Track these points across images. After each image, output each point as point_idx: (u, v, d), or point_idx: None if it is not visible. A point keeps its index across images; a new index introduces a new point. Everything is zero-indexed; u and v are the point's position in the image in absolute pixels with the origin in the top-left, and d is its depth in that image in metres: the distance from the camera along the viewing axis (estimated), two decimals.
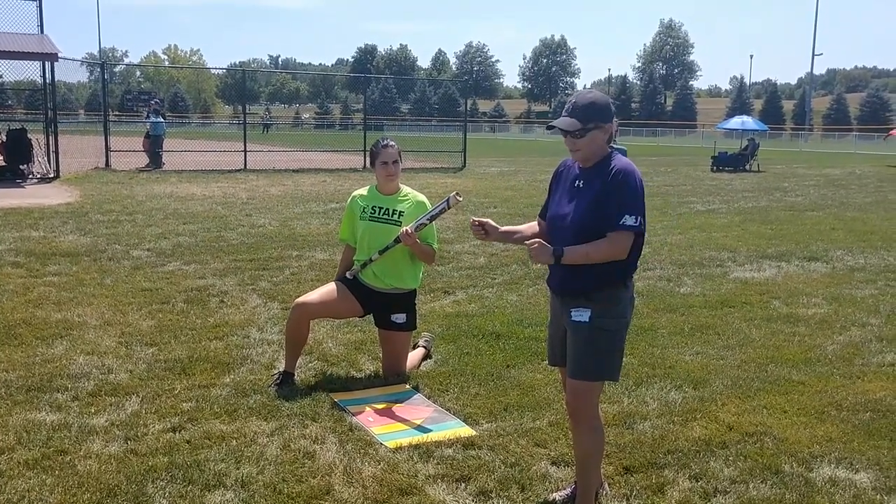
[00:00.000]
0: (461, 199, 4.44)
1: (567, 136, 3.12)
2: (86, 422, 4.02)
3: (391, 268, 4.75)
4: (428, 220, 4.58)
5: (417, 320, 5.02)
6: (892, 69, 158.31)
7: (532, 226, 3.43)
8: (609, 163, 3.12)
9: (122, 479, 3.42)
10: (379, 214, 4.75)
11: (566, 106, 3.15)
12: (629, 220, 3.01)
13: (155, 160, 21.47)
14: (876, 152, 44.57)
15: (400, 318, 4.82)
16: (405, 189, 4.91)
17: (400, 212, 4.74)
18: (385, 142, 4.82)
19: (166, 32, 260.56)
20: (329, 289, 4.82)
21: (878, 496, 3.46)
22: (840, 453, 3.86)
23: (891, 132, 35.30)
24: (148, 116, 22.71)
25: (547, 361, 3.56)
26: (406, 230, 4.55)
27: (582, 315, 3.13)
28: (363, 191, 4.94)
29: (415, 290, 4.93)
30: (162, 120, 22.69)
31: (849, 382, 4.92)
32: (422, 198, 4.86)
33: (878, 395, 4.67)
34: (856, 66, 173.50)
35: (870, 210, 14.80)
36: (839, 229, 11.91)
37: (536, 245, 3.07)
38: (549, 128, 3.25)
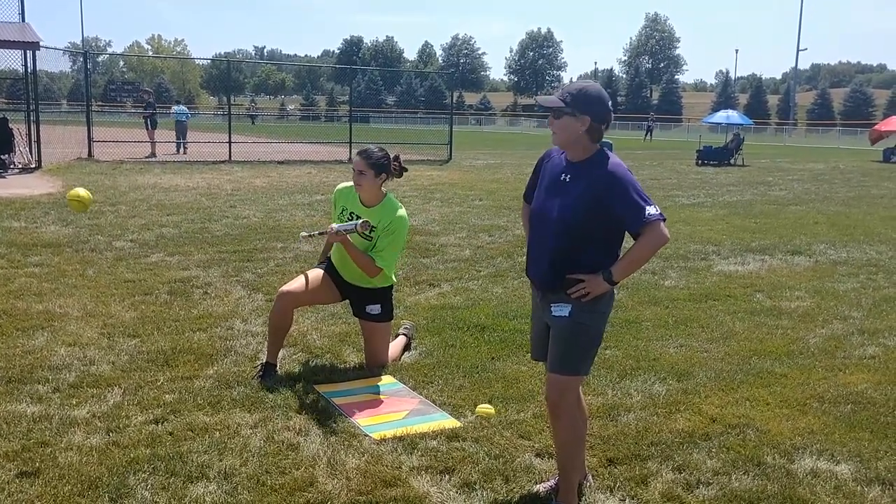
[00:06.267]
0: (365, 229, 4.51)
1: (549, 115, 3.11)
2: (67, 413, 3.99)
3: (361, 272, 4.71)
4: (343, 230, 4.54)
5: (394, 311, 4.99)
6: (875, 64, 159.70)
7: None
8: (599, 162, 3.07)
9: (103, 470, 3.40)
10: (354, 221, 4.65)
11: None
12: (652, 211, 2.99)
13: (179, 147, 23.79)
14: (859, 147, 44.89)
15: (374, 308, 4.81)
16: (385, 201, 4.67)
17: (372, 226, 4.60)
18: (363, 149, 4.63)
19: (150, 22, 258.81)
20: (311, 276, 4.82)
21: (858, 487, 3.49)
22: (821, 445, 3.89)
23: (877, 128, 35.30)
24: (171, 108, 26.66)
25: (530, 355, 3.56)
26: (332, 227, 4.55)
27: (562, 310, 3.12)
28: (347, 189, 4.78)
29: (391, 284, 4.92)
30: (185, 109, 26.29)
31: (830, 375, 4.95)
32: (400, 213, 4.62)
33: (860, 388, 4.71)
34: (840, 62, 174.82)
35: (853, 204, 14.91)
36: (822, 223, 11.99)
37: (586, 285, 3.04)
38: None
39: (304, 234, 5.41)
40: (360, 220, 4.51)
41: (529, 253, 3.30)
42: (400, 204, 4.73)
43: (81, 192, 5.05)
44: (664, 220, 3.03)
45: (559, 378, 3.16)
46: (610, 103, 3.11)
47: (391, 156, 4.67)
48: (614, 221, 3.04)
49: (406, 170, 4.82)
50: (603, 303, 3.14)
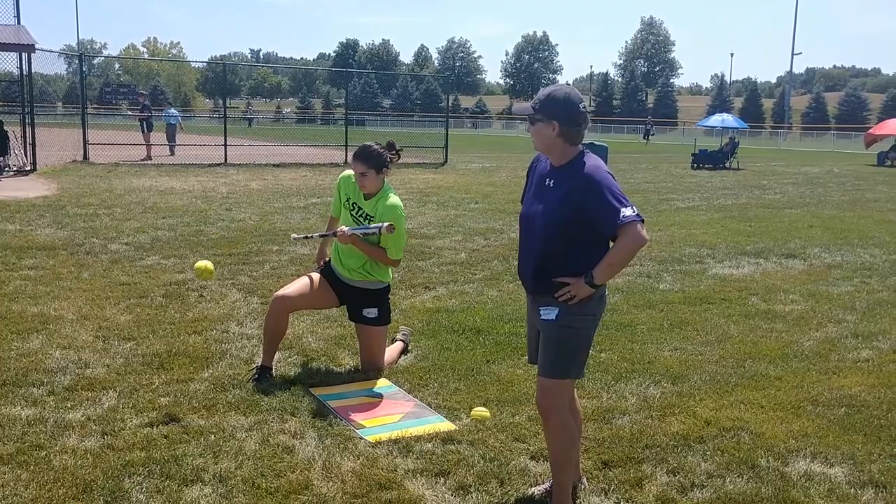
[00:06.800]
0: (390, 231, 4.53)
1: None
2: (62, 416, 3.99)
3: (359, 260, 4.73)
4: (361, 234, 4.59)
5: (391, 315, 5.00)
6: (870, 69, 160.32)
7: None
8: (578, 166, 3.07)
9: (98, 474, 3.39)
10: (356, 212, 4.75)
11: None
12: (627, 212, 2.98)
13: (170, 150, 24.14)
14: (853, 151, 45.03)
15: (371, 312, 4.81)
16: (383, 191, 4.73)
17: (370, 216, 4.69)
18: (358, 151, 4.65)
19: (146, 24, 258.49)
20: (307, 280, 4.82)
21: (851, 490, 3.50)
22: (815, 448, 3.91)
23: (871, 132, 35.31)
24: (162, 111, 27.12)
25: (527, 358, 3.57)
26: (343, 229, 4.60)
27: (549, 313, 3.13)
28: (351, 175, 4.80)
29: (387, 285, 4.92)
30: (175, 112, 26.72)
31: (824, 378, 4.97)
32: (392, 201, 4.66)
33: (853, 391, 4.73)
34: (834, 66, 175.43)
35: (847, 208, 14.96)
36: (817, 227, 12.03)
37: (570, 288, 3.06)
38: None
39: (294, 236, 5.19)
40: (385, 224, 4.52)
41: (519, 256, 3.32)
42: (395, 191, 4.79)
43: (203, 265, 4.70)
44: (641, 221, 3.02)
45: (548, 381, 3.16)
46: (581, 105, 3.07)
47: (385, 145, 4.73)
48: (594, 224, 3.06)
49: (402, 150, 4.90)
50: (590, 305, 3.14)
